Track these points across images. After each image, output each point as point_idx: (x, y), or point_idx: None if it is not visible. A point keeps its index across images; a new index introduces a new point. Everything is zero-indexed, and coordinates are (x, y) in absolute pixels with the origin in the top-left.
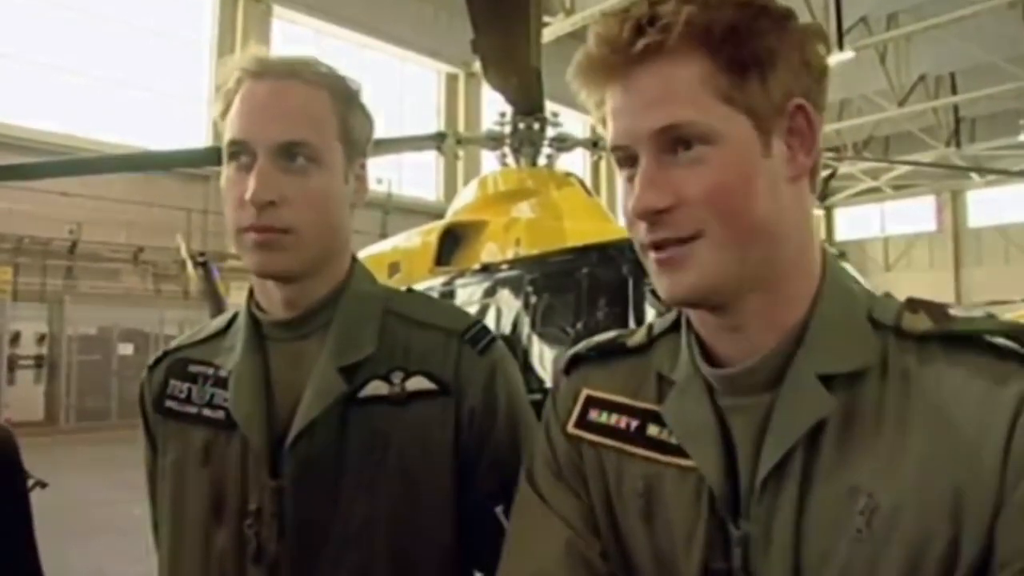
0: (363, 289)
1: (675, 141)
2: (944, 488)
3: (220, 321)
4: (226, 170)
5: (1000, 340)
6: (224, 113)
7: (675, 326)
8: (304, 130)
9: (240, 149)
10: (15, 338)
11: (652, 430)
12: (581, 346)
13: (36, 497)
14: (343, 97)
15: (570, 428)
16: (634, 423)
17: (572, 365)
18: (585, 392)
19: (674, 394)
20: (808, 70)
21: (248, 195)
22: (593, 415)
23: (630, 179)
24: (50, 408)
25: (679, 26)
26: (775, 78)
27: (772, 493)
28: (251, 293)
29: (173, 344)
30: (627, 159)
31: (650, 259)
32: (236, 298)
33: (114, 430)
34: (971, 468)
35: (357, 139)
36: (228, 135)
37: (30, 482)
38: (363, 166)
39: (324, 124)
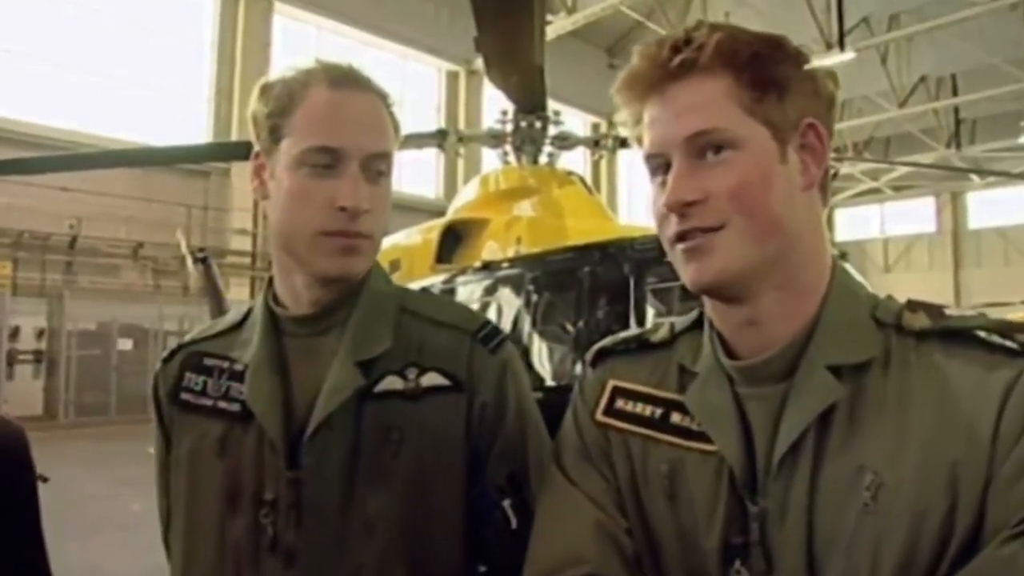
0: (380, 287)
1: (704, 146)
2: (942, 466)
3: (235, 315)
4: (296, 173)
5: (989, 335)
6: (280, 112)
7: (695, 324)
8: (387, 142)
9: (327, 155)
10: (14, 333)
11: (675, 418)
12: (607, 341)
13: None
14: (391, 107)
15: (598, 416)
16: (658, 411)
17: (599, 358)
18: (612, 383)
19: (697, 384)
20: (818, 97)
21: (347, 202)
22: (620, 404)
23: (663, 184)
24: (49, 403)
25: (710, 47)
26: (790, 99)
27: (787, 471)
28: (268, 287)
29: (187, 338)
30: (661, 166)
31: (677, 251)
32: (235, 294)
33: (113, 425)
34: (965, 447)
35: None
36: (312, 140)
37: None
38: None
39: (392, 136)
